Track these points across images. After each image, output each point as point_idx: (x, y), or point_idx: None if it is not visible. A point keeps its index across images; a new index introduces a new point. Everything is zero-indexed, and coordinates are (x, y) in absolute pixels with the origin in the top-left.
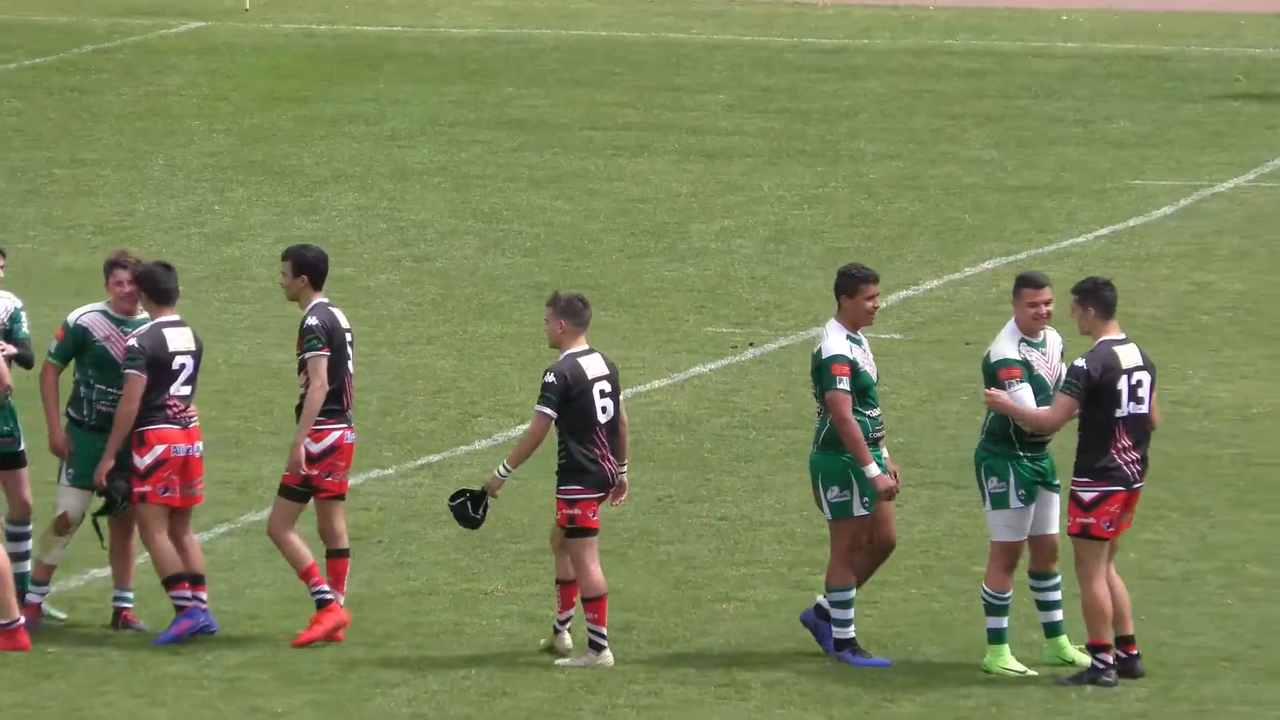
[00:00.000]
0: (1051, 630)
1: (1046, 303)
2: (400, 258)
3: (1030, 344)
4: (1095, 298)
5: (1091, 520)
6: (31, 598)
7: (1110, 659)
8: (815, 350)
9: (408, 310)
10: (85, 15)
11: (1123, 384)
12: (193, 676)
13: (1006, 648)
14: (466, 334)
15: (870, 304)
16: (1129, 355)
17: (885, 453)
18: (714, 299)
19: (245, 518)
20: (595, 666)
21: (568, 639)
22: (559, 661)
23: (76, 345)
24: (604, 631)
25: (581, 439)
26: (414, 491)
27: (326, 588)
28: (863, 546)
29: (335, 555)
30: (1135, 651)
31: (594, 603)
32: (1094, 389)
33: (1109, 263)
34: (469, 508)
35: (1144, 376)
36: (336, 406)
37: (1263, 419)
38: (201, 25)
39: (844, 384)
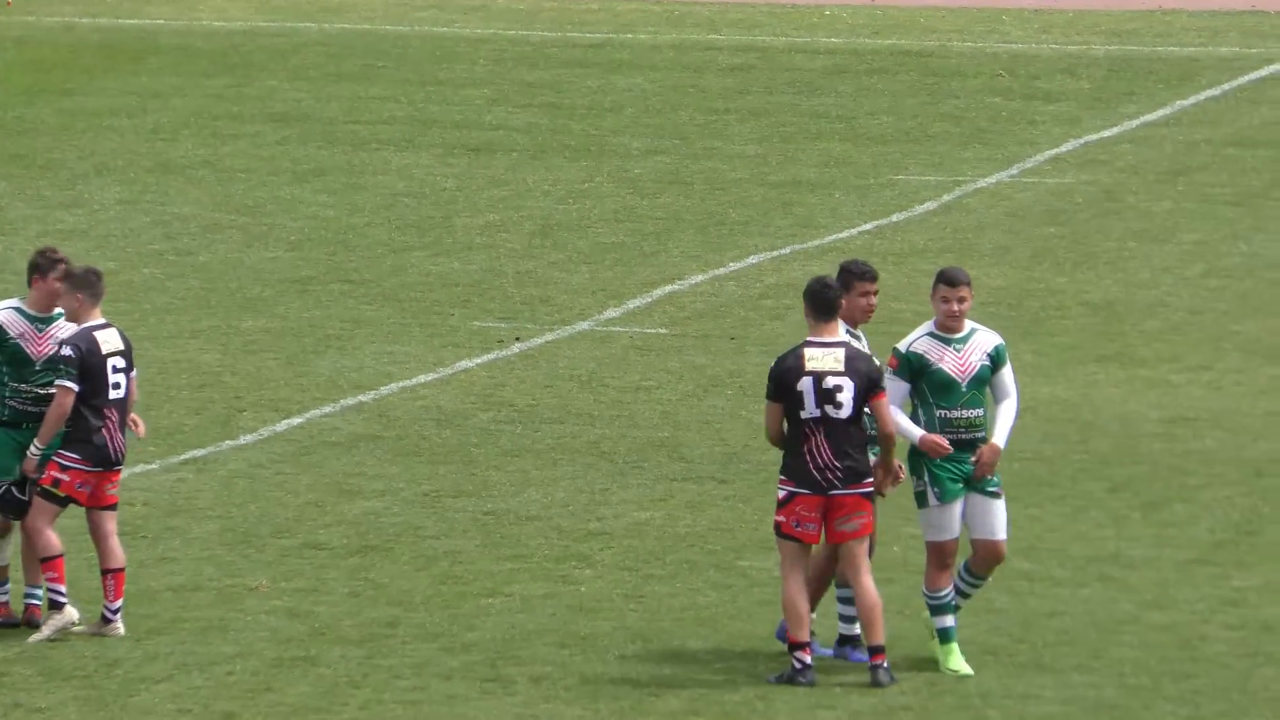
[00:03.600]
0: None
1: (960, 299)
2: (163, 251)
3: (943, 339)
4: (807, 295)
5: (781, 519)
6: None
7: (808, 659)
8: None
9: (171, 304)
10: None
11: (804, 385)
12: None
13: (953, 646)
14: (230, 328)
15: (865, 300)
16: (821, 360)
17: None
18: (480, 293)
19: None
20: (64, 628)
21: (120, 627)
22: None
23: None
24: (63, 589)
25: (92, 411)
26: (178, 487)
27: None
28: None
29: None
30: (881, 662)
31: (53, 561)
32: (776, 387)
33: (872, 258)
34: (14, 492)
35: (841, 382)
36: None
37: (1024, 414)
38: None
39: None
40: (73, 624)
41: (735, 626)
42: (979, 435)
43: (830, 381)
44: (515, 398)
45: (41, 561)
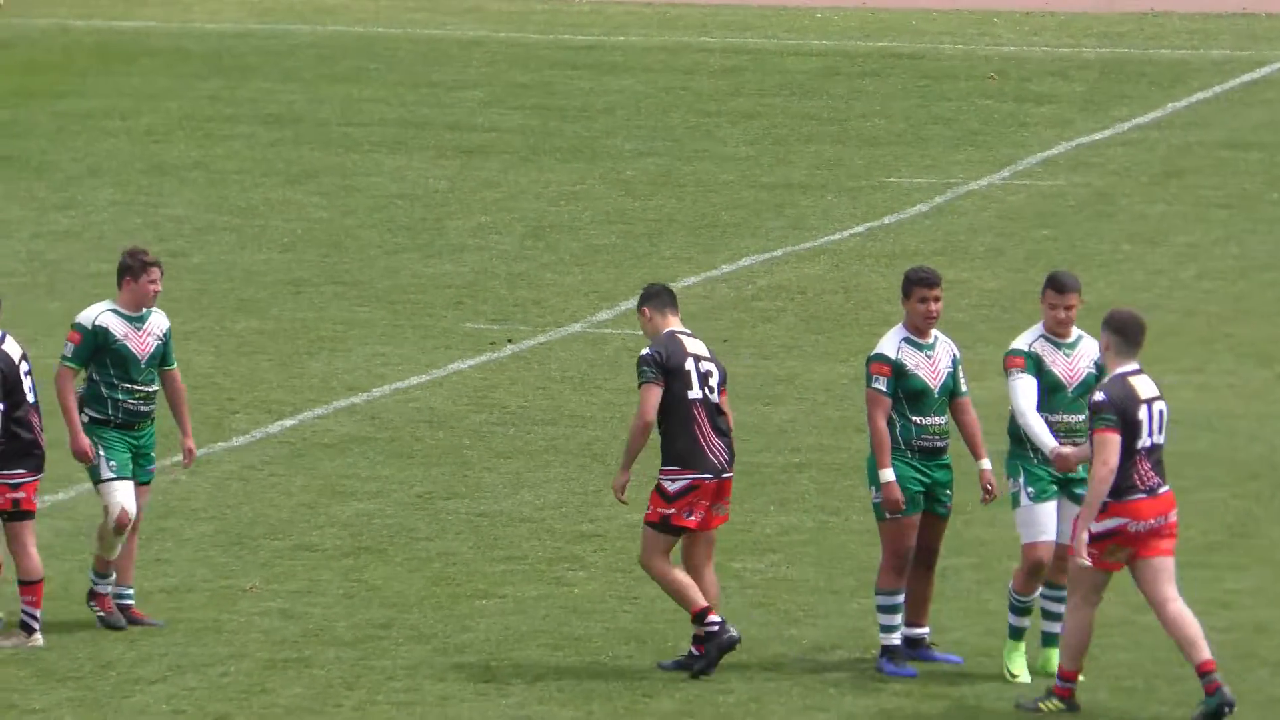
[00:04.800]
0: (1046, 640)
1: (1068, 307)
2: (156, 253)
3: (1055, 343)
4: (648, 296)
5: (671, 511)
6: (100, 589)
7: (717, 618)
8: None
9: (164, 306)
10: None
11: (690, 365)
12: None
13: (1020, 645)
14: (223, 330)
15: (923, 307)
16: (693, 344)
17: (986, 463)
18: (472, 295)
19: None
20: (27, 648)
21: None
22: None
23: (96, 347)
24: (38, 614)
25: (21, 423)
26: (171, 488)
27: None
28: (908, 552)
29: None
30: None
31: (32, 586)
32: (665, 371)
33: (864, 260)
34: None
35: (711, 368)
36: None
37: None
38: None
39: (879, 383)
40: (37, 648)
41: None
42: (1080, 441)
43: (704, 365)
44: (508, 399)
45: (22, 585)
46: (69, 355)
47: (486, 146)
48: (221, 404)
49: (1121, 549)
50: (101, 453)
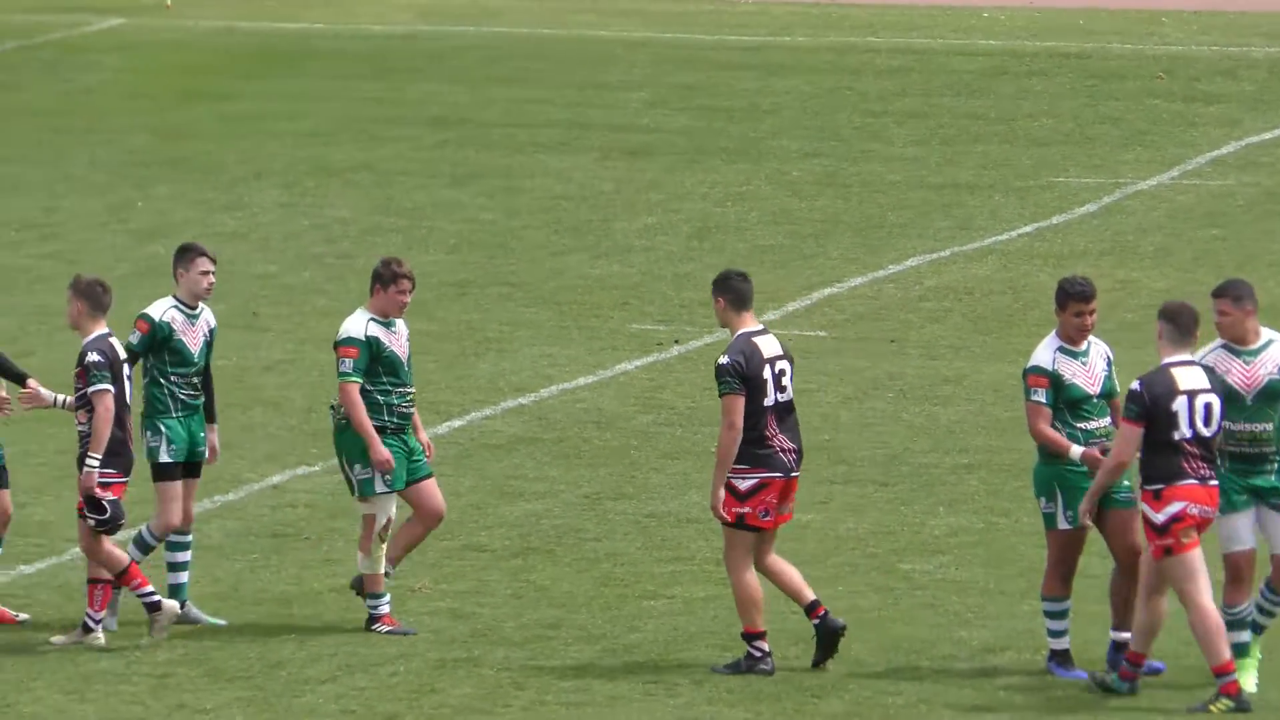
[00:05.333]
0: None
1: (1221, 313)
2: (322, 255)
3: (1234, 351)
4: (726, 288)
5: (746, 510)
6: (382, 609)
7: (766, 647)
8: None
9: (330, 307)
10: (5, 12)
11: (767, 373)
12: (121, 673)
13: (1246, 662)
14: None
15: (1078, 320)
16: (769, 345)
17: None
18: (638, 296)
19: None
20: (169, 619)
21: (100, 637)
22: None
23: (372, 357)
24: (151, 589)
25: (117, 421)
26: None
27: None
28: (1074, 562)
29: None
30: (824, 611)
31: (125, 574)
32: (744, 380)
33: (1032, 260)
34: (93, 509)
35: (785, 366)
36: None
37: None
38: (122, 22)
39: (1038, 395)
40: (176, 613)
41: (897, 629)
42: (1267, 450)
43: (779, 365)
44: (675, 400)
45: (119, 578)
46: (349, 370)
47: (651, 147)
48: None
49: (1190, 530)
50: None
